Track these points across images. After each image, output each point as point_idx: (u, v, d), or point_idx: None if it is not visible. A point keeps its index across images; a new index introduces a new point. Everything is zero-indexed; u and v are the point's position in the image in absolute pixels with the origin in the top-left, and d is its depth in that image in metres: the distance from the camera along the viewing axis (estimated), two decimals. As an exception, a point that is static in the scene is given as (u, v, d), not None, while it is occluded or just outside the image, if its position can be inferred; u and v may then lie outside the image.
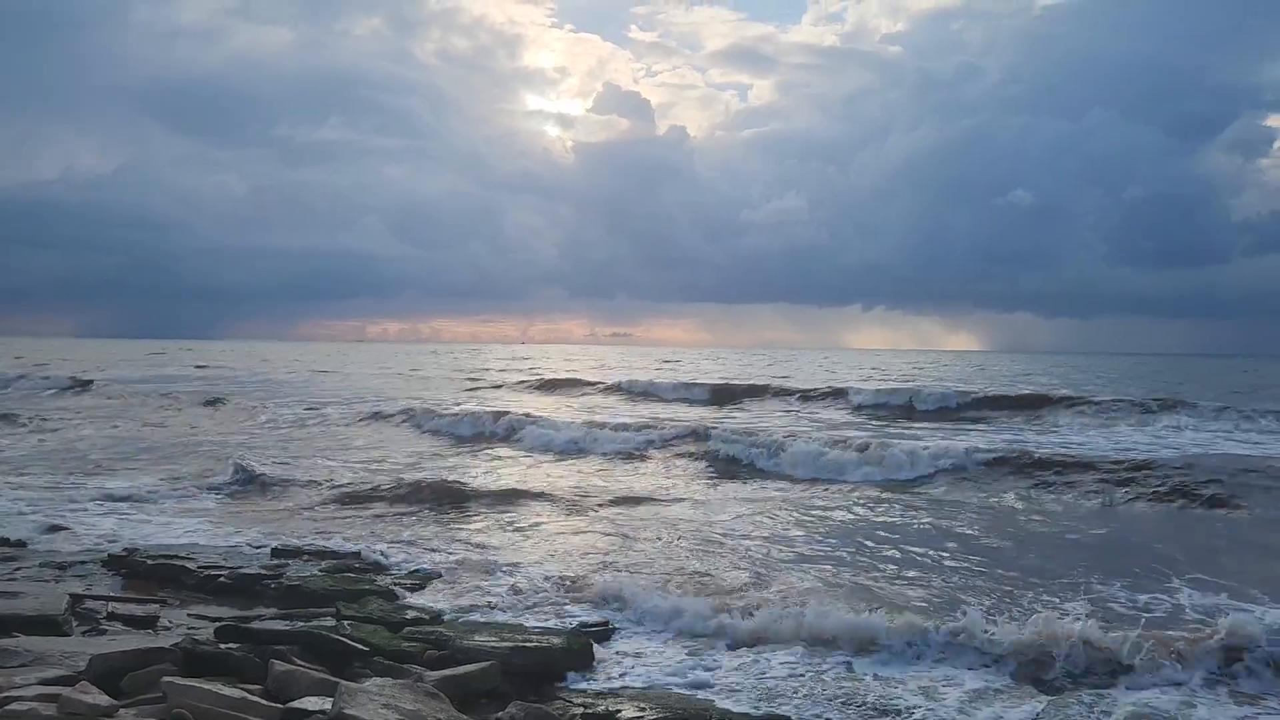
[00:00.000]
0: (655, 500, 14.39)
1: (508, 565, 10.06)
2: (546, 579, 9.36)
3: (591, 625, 7.99)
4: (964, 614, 7.64)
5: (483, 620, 8.11)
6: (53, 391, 38.60)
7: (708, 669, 7.13)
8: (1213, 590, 9.08)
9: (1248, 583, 9.32)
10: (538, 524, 12.56)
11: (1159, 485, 13.64)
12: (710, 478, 17.09)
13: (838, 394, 31.78)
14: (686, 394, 34.91)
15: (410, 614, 8.01)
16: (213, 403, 31.92)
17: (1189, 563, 10.29)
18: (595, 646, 7.31)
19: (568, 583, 9.23)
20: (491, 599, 8.81)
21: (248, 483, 15.43)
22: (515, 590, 9.03)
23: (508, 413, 24.34)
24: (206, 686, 5.31)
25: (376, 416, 26.48)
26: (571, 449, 20.11)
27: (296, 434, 24.25)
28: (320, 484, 15.41)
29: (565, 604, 8.65)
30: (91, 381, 40.96)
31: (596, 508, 13.74)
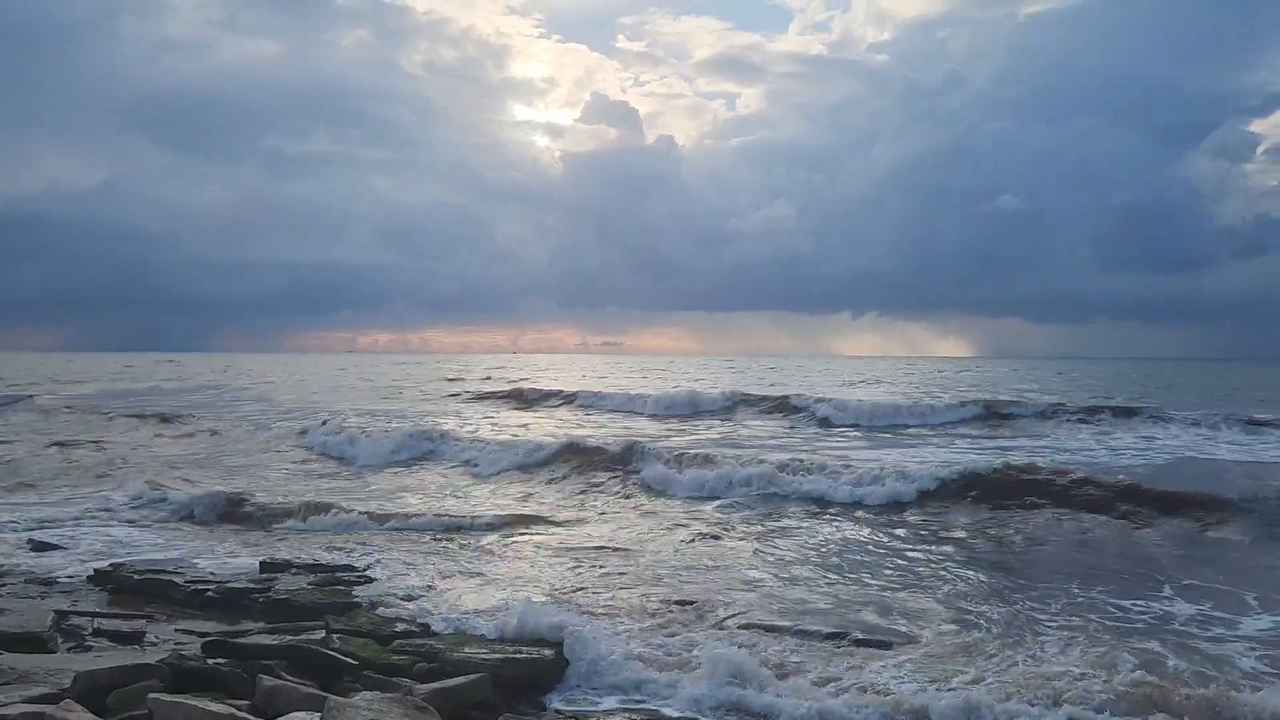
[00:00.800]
0: (599, 518, 14.09)
1: (487, 582, 9.90)
2: (521, 595, 9.12)
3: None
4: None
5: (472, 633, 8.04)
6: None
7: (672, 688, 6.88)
8: (1203, 598, 9.11)
9: (1241, 589, 9.35)
10: (500, 545, 12.07)
11: (1147, 490, 13.57)
12: (640, 496, 16.24)
13: (802, 406, 30.26)
14: (648, 407, 33.27)
15: (400, 626, 7.95)
16: (153, 419, 30.37)
17: (1181, 570, 10.31)
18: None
19: (545, 600, 9.02)
20: (475, 619, 8.63)
21: (163, 501, 15.11)
22: (498, 608, 8.88)
23: (451, 431, 23.61)
24: (193, 703, 5.27)
25: (312, 430, 24.99)
26: (516, 466, 19.28)
27: (229, 449, 23.68)
28: (270, 501, 15.06)
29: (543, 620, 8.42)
30: (30, 396, 39.76)
31: (557, 528, 13.42)
